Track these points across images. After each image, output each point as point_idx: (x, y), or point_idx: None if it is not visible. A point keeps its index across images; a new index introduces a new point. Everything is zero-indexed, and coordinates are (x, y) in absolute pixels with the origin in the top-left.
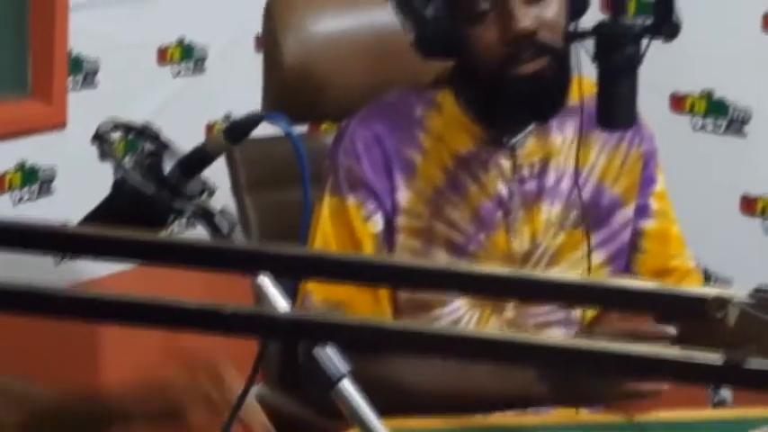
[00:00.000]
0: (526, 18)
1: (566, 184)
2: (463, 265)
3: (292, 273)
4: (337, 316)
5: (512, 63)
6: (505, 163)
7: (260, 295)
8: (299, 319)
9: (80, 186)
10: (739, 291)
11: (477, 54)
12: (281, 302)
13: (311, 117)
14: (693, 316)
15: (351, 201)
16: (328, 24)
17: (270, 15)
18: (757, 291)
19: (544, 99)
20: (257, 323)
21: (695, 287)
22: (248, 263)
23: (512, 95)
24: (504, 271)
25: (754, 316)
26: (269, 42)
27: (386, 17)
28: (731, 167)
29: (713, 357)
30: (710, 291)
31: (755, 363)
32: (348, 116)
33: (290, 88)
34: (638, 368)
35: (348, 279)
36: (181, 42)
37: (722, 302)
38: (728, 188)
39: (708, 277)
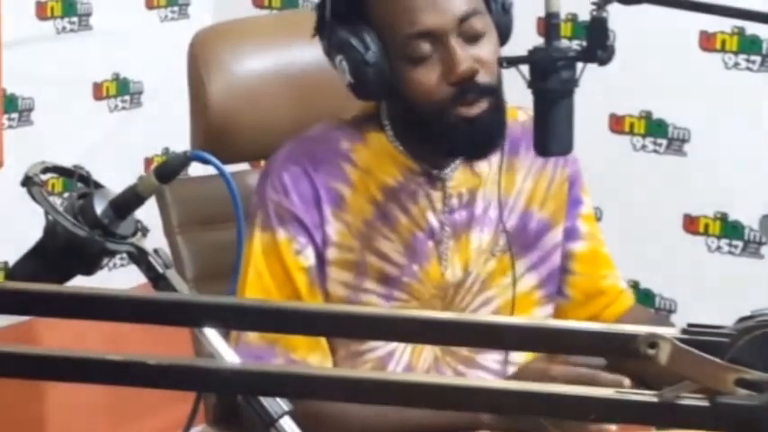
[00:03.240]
0: (467, 59)
1: (494, 211)
2: (399, 312)
3: (227, 324)
4: (263, 367)
5: (455, 104)
6: (434, 194)
7: (198, 343)
8: (227, 370)
9: (16, 227)
10: (670, 329)
11: (418, 95)
12: (222, 352)
13: (238, 156)
14: (626, 354)
15: (281, 235)
16: (252, 63)
17: (193, 56)
18: (690, 326)
19: (483, 141)
20: (182, 375)
21: (629, 324)
22: (178, 315)
23: (451, 136)
24: (434, 316)
25: (687, 352)
26: (194, 83)
27: (308, 55)
28: (672, 187)
29: (648, 395)
30: (642, 329)
31: (689, 400)
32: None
33: (217, 128)
34: (571, 408)
35: (283, 329)
36: (116, 77)
37: (653, 340)
38: (670, 207)
39: (651, 297)
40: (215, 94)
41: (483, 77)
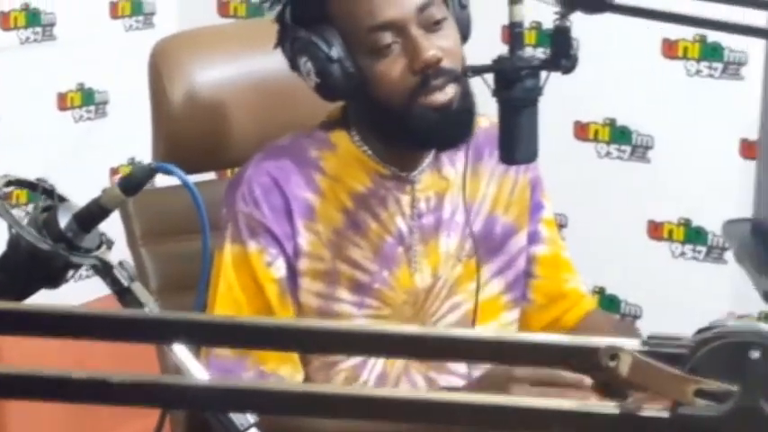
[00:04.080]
0: (431, 47)
1: (460, 216)
2: (365, 327)
3: (199, 341)
4: (230, 383)
5: (422, 92)
6: (403, 198)
7: (163, 359)
8: (194, 387)
9: None
10: (631, 341)
11: (384, 89)
12: (190, 367)
13: (200, 166)
14: (588, 366)
15: (252, 247)
16: (214, 72)
17: (154, 65)
18: (650, 338)
19: (453, 128)
20: (145, 392)
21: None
22: (148, 332)
23: (421, 126)
24: (399, 331)
25: (647, 363)
26: (155, 92)
27: (270, 63)
28: (637, 193)
29: (609, 407)
30: (602, 340)
31: (650, 411)
32: (238, 164)
33: (178, 137)
34: (532, 420)
35: (253, 345)
36: (81, 87)
37: (614, 352)
38: (635, 214)
39: (617, 303)
40: (177, 104)
41: (447, 64)
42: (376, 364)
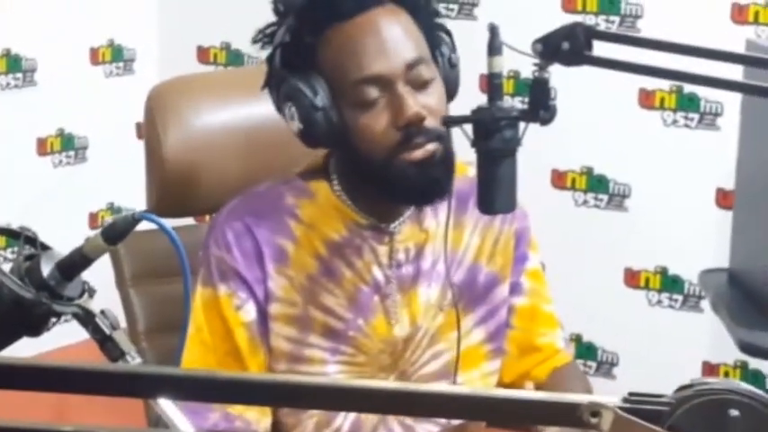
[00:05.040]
0: (415, 105)
1: (442, 266)
2: (342, 382)
3: (176, 396)
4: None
5: (403, 148)
6: (380, 248)
7: (149, 410)
8: None
9: None
10: (612, 398)
11: (366, 141)
12: (176, 420)
13: (194, 210)
14: (569, 423)
15: (222, 291)
16: (209, 118)
17: (150, 110)
18: (631, 394)
19: (432, 184)
20: None
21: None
22: (126, 386)
23: (401, 181)
24: (376, 386)
25: (628, 420)
26: (150, 137)
27: (265, 110)
28: (614, 241)
29: None
30: (584, 397)
31: None
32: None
33: (173, 183)
34: None
35: (229, 400)
36: (61, 132)
37: (596, 408)
38: (612, 262)
39: (594, 351)
40: (171, 149)
41: (430, 123)
42: (350, 412)
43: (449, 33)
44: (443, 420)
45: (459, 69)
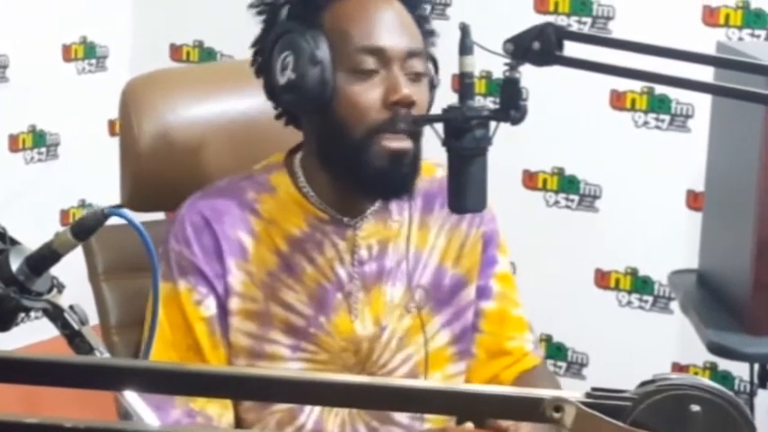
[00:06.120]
0: (408, 89)
1: (405, 266)
2: (307, 375)
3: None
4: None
5: (384, 130)
6: (342, 244)
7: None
8: None
9: None
10: (575, 393)
11: (352, 110)
12: (141, 413)
13: (168, 205)
14: (532, 418)
15: (182, 285)
16: (183, 113)
17: (125, 105)
18: (594, 390)
19: (399, 180)
20: None
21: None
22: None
23: (370, 167)
24: (346, 380)
25: (590, 416)
26: (124, 132)
27: (241, 105)
28: (584, 242)
29: None
30: (547, 392)
31: None
32: None
33: (147, 177)
34: None
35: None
36: (33, 129)
37: (558, 403)
38: (582, 263)
39: (564, 351)
40: (145, 143)
41: (415, 113)
42: (314, 410)
43: (435, 62)
44: (407, 422)
45: (435, 94)
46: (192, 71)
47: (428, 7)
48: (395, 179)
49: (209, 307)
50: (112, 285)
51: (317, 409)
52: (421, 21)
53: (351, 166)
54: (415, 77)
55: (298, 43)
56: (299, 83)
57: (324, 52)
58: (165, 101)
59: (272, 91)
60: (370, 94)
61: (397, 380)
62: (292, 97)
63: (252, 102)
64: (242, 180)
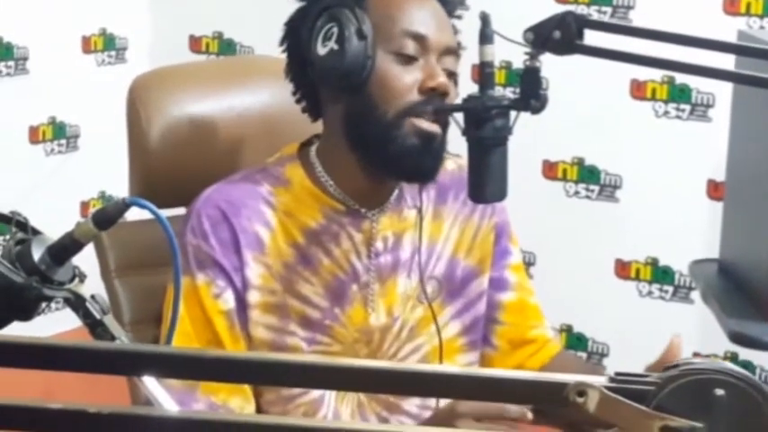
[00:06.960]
0: (444, 79)
1: (418, 257)
2: (323, 360)
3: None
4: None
5: (417, 112)
6: (358, 236)
7: (134, 390)
8: (169, 418)
9: None
10: (599, 378)
11: (388, 90)
12: (161, 399)
13: (176, 201)
14: (555, 402)
15: (200, 279)
16: (191, 108)
17: (132, 100)
18: (618, 374)
19: (426, 162)
20: (123, 424)
21: (556, 371)
22: (113, 364)
23: (400, 146)
24: (363, 364)
25: (614, 400)
26: (133, 128)
27: (248, 100)
28: (604, 232)
29: None
30: (570, 377)
31: None
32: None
33: (156, 172)
34: None
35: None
36: (53, 121)
37: (582, 388)
38: (602, 253)
39: (584, 341)
40: (153, 139)
41: (447, 103)
42: (331, 401)
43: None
44: (416, 411)
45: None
46: (199, 66)
47: (462, 14)
48: (424, 159)
49: (228, 300)
50: (125, 282)
51: (333, 401)
52: (454, 26)
53: (381, 143)
54: (450, 74)
55: (346, 17)
56: (342, 53)
57: (368, 29)
58: (173, 97)
59: (302, 66)
60: (407, 78)
61: (422, 365)
62: (331, 68)
63: (259, 97)
64: (256, 173)
